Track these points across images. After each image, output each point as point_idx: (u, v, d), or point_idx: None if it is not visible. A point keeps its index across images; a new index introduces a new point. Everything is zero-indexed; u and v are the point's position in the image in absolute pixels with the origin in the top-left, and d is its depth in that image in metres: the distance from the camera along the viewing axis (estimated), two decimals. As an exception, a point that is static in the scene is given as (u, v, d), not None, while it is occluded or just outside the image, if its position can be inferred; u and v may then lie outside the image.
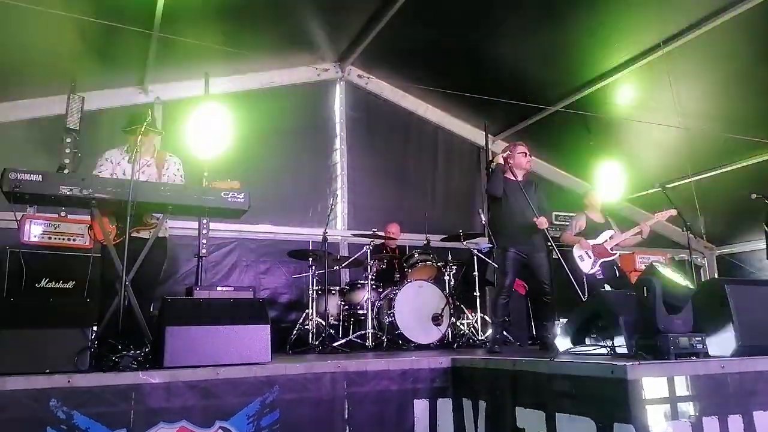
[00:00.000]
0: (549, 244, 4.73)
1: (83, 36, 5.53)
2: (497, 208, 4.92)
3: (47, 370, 2.70)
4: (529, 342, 6.20)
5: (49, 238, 5.18)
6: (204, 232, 5.82)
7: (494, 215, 5.01)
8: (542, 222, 4.70)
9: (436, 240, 6.86)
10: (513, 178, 4.87)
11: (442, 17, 6.36)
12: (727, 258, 9.04)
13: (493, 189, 4.88)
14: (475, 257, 6.33)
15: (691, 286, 2.84)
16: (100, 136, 5.74)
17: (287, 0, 6.14)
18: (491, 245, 6.42)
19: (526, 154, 5.03)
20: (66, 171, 4.63)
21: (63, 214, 5.31)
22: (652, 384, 2.43)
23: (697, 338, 2.75)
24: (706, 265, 9.20)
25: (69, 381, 2.61)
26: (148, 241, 3.70)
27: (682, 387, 2.50)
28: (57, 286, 4.23)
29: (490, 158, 5.17)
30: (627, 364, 2.43)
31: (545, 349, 4.41)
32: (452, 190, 8.38)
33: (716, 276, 8.97)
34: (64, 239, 5.25)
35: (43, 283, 4.08)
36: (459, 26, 6.40)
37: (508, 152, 5.06)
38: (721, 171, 7.47)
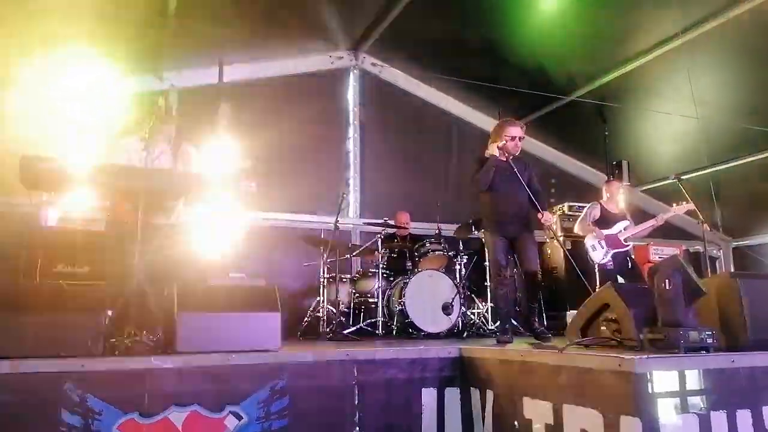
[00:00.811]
0: (559, 235, 4.69)
1: (98, 21, 5.55)
2: (486, 193, 4.52)
3: (62, 354, 2.75)
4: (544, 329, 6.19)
5: (65, 223, 5.26)
6: (218, 218, 5.85)
7: (483, 200, 4.58)
8: (548, 219, 4.42)
9: (447, 229, 6.85)
10: (503, 159, 4.43)
11: (456, 6, 6.30)
12: (743, 250, 8.92)
13: (480, 183, 4.46)
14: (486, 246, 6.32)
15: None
16: (117, 123, 5.79)
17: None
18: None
19: (515, 138, 4.49)
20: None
21: (80, 199, 5.37)
22: (660, 377, 2.42)
23: (707, 332, 2.73)
24: (722, 257, 9.09)
25: (83, 365, 2.66)
26: (164, 227, 3.75)
27: (691, 381, 2.49)
28: (73, 270, 4.28)
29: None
30: (635, 357, 2.42)
31: (534, 334, 4.29)
32: (465, 179, 8.33)
33: (732, 268, 8.87)
34: (79, 224, 5.32)
35: (59, 268, 4.13)
36: (474, 16, 6.34)
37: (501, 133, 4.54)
38: (738, 162, 7.36)
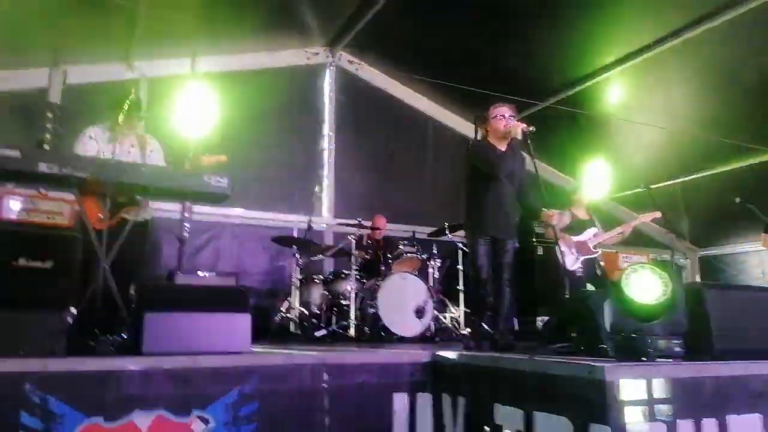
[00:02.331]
0: (533, 240, 4.70)
1: (68, 7, 5.38)
2: (479, 187, 4.13)
3: (22, 353, 2.65)
4: (511, 337, 6.24)
5: (28, 215, 5.07)
6: (187, 215, 5.74)
7: (474, 194, 4.18)
8: (554, 217, 4.19)
9: (422, 232, 6.85)
10: (501, 149, 4.09)
11: (435, 7, 6.30)
12: (709, 259, 9.16)
13: (500, 168, 3.98)
14: (460, 251, 6.34)
15: (666, 293, 2.82)
16: (83, 112, 5.62)
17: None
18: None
19: (504, 116, 4.11)
20: (46, 147, 4.53)
21: (42, 191, 5.20)
22: (629, 385, 2.45)
23: (675, 341, 2.78)
24: (689, 266, 9.31)
25: (45, 365, 2.56)
26: (131, 223, 3.65)
27: (658, 389, 2.52)
28: (34, 265, 4.13)
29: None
30: (605, 364, 2.44)
31: (495, 342, 4.03)
32: (440, 181, 8.36)
33: (698, 277, 9.10)
34: (43, 217, 5.14)
35: (20, 262, 3.99)
36: (452, 17, 6.36)
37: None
38: (706, 173, 7.56)
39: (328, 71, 7.97)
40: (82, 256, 3.87)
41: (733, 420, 2.65)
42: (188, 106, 6.07)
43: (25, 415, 2.46)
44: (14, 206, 5.05)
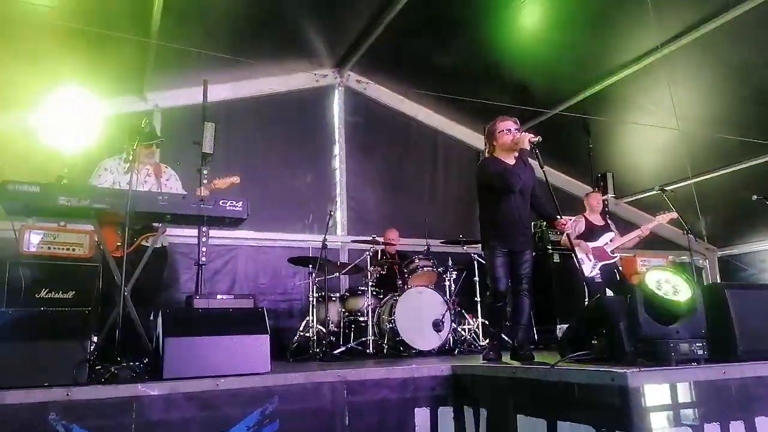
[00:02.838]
0: (549, 247, 4.68)
1: (80, 44, 5.53)
2: (492, 201, 4.12)
3: (46, 384, 2.69)
4: (531, 346, 6.18)
5: (49, 248, 5.16)
6: (204, 239, 5.80)
7: (488, 209, 4.18)
8: (567, 225, 4.18)
9: (436, 245, 6.84)
10: (510, 163, 4.09)
11: (438, 23, 6.36)
12: (728, 259, 9.02)
13: (512, 183, 3.99)
14: (476, 262, 6.33)
15: (688, 294, 2.79)
16: (99, 145, 5.74)
17: (285, 6, 6.16)
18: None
19: (510, 130, 4.14)
20: (65, 181, 4.63)
21: (62, 223, 5.30)
22: (653, 391, 2.42)
23: (698, 344, 2.74)
24: (708, 267, 9.17)
25: (68, 394, 2.60)
26: (150, 250, 3.71)
27: (683, 393, 2.48)
28: (56, 296, 4.20)
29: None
30: (627, 371, 2.42)
31: (515, 353, 3.98)
32: (452, 194, 8.36)
33: (718, 277, 8.96)
34: (63, 249, 5.23)
35: (42, 294, 4.06)
36: (457, 31, 6.41)
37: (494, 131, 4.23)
38: (720, 173, 7.47)
39: (336, 92, 8.06)
40: (102, 284, 3.95)
41: (761, 421, 2.60)
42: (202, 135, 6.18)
43: (50, 445, 2.49)
44: (35, 240, 5.16)
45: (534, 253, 4.32)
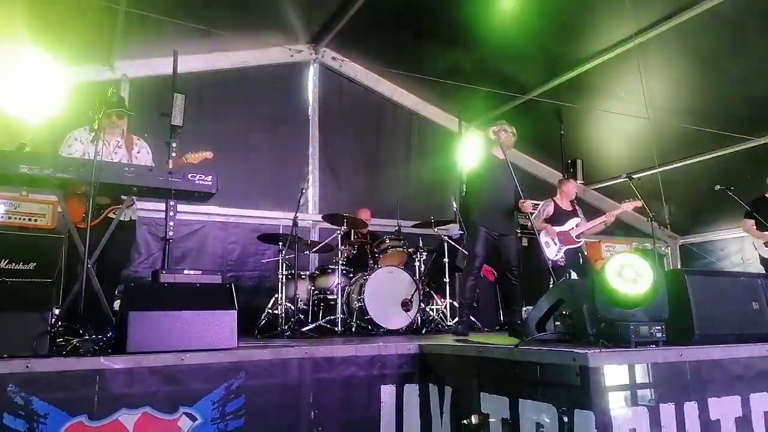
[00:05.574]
0: (518, 231, 4.81)
1: (47, 8, 5.31)
2: (478, 184, 4.83)
3: (5, 355, 2.63)
4: (497, 328, 6.29)
5: (9, 217, 5.03)
6: (171, 214, 5.70)
7: (473, 190, 4.90)
8: (528, 206, 4.69)
9: (407, 226, 6.87)
10: (501, 156, 4.79)
11: (418, 3, 6.31)
12: (689, 247, 9.29)
13: None
14: (446, 244, 6.37)
15: (649, 280, 2.86)
16: (65, 114, 5.56)
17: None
18: (462, 232, 6.47)
19: (515, 134, 4.98)
20: (27, 149, 4.48)
21: (24, 193, 5.15)
22: (612, 371, 2.49)
23: (656, 327, 2.81)
24: (669, 254, 9.43)
25: (27, 366, 2.54)
26: (116, 222, 3.63)
27: (641, 374, 2.56)
28: (17, 267, 4.10)
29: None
30: (588, 351, 2.48)
31: (515, 334, 4.29)
32: (425, 176, 8.37)
33: (679, 265, 9.22)
34: (25, 219, 5.11)
35: (2, 264, 3.95)
36: (435, 12, 6.36)
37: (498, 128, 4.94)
38: (686, 162, 7.65)
39: (311, 68, 7.95)
40: (67, 256, 3.86)
41: (713, 402, 2.70)
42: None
43: (8, 417, 2.44)
44: (-3, 209, 5.01)
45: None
